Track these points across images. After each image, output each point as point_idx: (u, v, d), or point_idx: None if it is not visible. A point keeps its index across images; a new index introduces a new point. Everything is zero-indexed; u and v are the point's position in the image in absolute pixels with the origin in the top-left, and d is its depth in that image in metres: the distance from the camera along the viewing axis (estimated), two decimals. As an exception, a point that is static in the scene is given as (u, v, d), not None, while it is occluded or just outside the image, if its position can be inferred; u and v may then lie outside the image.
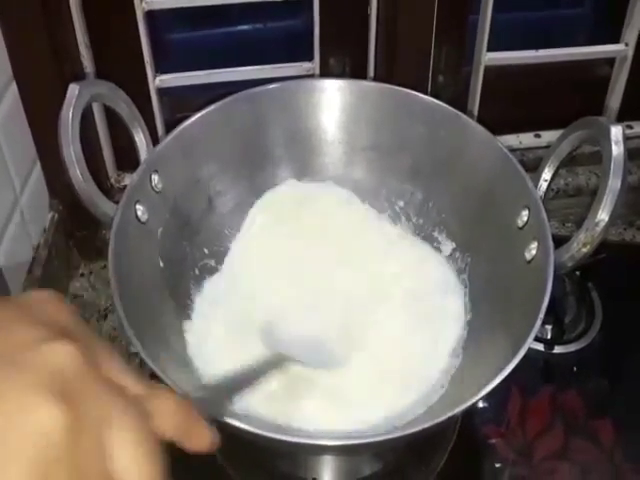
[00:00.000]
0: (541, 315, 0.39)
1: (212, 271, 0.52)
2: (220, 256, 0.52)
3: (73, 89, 0.43)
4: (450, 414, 0.36)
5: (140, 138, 0.48)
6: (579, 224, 0.42)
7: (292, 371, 0.43)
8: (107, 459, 0.18)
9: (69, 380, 0.17)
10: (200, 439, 0.22)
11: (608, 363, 0.56)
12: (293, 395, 0.44)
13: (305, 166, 0.54)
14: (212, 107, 0.49)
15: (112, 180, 0.66)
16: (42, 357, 0.17)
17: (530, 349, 0.37)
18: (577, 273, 0.58)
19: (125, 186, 0.55)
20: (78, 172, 0.43)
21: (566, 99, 0.67)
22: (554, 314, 0.56)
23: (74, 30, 0.56)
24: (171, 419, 0.21)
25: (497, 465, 0.49)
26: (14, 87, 0.54)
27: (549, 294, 0.39)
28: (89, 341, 0.19)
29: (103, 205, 0.45)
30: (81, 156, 0.43)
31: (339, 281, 0.51)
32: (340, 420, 0.43)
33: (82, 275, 0.64)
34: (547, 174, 0.46)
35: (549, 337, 0.56)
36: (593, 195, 0.67)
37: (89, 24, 0.57)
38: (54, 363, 0.17)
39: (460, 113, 0.50)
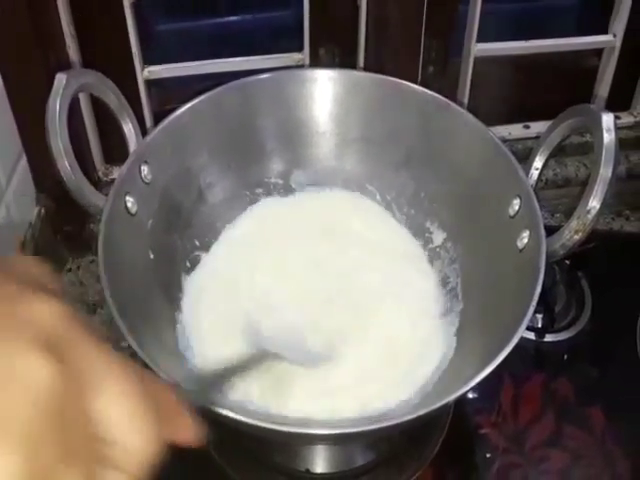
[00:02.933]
0: (534, 303, 0.39)
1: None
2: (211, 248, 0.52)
3: (60, 79, 0.42)
4: (442, 402, 0.36)
5: (129, 129, 0.47)
6: (568, 214, 0.43)
7: (278, 367, 0.43)
8: (96, 413, 0.17)
9: (56, 336, 0.17)
10: (185, 429, 0.22)
11: (598, 350, 0.57)
12: (282, 389, 0.43)
13: (296, 157, 0.54)
14: (202, 97, 0.49)
15: (100, 173, 0.65)
16: (28, 313, 0.17)
17: (521, 338, 0.37)
18: (567, 262, 0.59)
19: (113, 179, 0.54)
20: (66, 163, 0.42)
21: (554, 90, 0.68)
22: (545, 303, 0.56)
23: (59, 20, 0.56)
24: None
25: (489, 453, 0.50)
26: (-1, 78, 0.53)
27: (541, 282, 0.39)
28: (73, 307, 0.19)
29: (92, 197, 0.44)
30: (69, 147, 0.43)
31: (323, 277, 0.50)
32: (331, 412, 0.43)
33: (69, 270, 0.63)
34: (538, 162, 0.46)
35: (540, 326, 0.57)
36: (582, 185, 0.68)
37: (75, 14, 0.56)
38: (41, 316, 0.17)
39: (451, 103, 0.50)
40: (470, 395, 0.53)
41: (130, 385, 0.18)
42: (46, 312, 0.17)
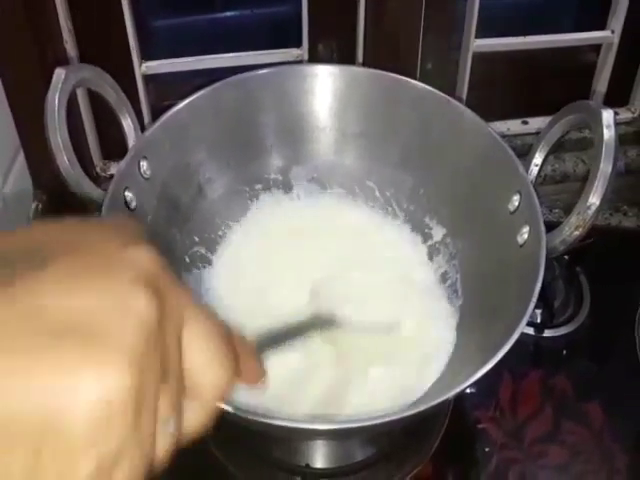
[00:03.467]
0: (534, 299, 0.39)
1: (203, 259, 0.51)
2: (211, 244, 0.52)
3: (59, 74, 0.42)
4: (442, 398, 0.36)
5: (128, 124, 0.47)
6: (566, 210, 0.43)
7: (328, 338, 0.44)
8: (184, 347, 0.20)
9: (155, 278, 0.19)
10: (253, 373, 0.24)
11: (597, 346, 0.57)
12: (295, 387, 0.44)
13: (295, 153, 0.54)
14: (201, 92, 0.48)
15: (98, 169, 0.65)
16: (132, 257, 0.19)
17: (520, 333, 0.37)
18: (566, 257, 0.59)
19: (111, 175, 0.54)
20: (65, 158, 0.42)
21: (553, 86, 0.68)
22: (544, 298, 0.56)
23: (57, 15, 0.55)
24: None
25: (488, 448, 0.50)
26: (-4, 74, 0.52)
27: (542, 278, 0.39)
28: None
29: (91, 192, 0.44)
30: (68, 142, 0.43)
31: (324, 276, 0.50)
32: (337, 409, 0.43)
33: (68, 266, 0.63)
34: (538, 159, 0.46)
35: (539, 321, 0.57)
36: (580, 181, 0.68)
37: (72, 9, 0.56)
38: (142, 262, 0.19)
39: (451, 99, 0.50)
40: (469, 390, 0.53)
41: (213, 326, 0.20)
42: (145, 257, 0.19)
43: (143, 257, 0.19)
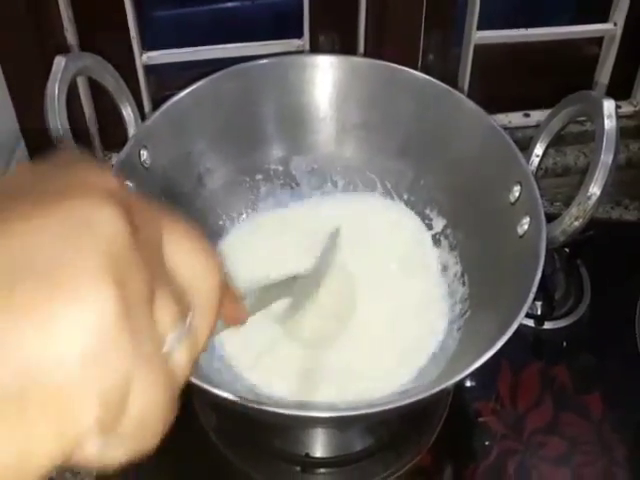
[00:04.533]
0: (534, 289, 0.39)
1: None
2: (210, 234, 0.52)
3: (59, 62, 0.42)
4: (440, 387, 0.36)
5: (128, 113, 0.47)
6: (567, 203, 0.43)
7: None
8: (170, 257, 0.18)
9: (121, 195, 0.17)
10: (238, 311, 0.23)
11: (597, 338, 0.57)
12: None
13: (296, 143, 0.54)
14: (202, 82, 0.48)
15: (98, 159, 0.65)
16: (95, 180, 0.17)
17: (520, 325, 0.37)
18: (566, 250, 0.59)
19: (112, 165, 0.54)
20: (66, 147, 0.42)
21: (555, 78, 0.68)
22: (544, 290, 0.56)
23: (58, 4, 0.55)
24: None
25: (488, 440, 0.50)
26: (-4, 63, 0.52)
27: (541, 268, 0.39)
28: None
29: (92, 181, 0.44)
30: (68, 130, 0.42)
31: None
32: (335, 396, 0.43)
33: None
34: (539, 149, 0.46)
35: (539, 313, 0.57)
36: (581, 174, 0.68)
37: (73, -2, 0.56)
38: (105, 183, 0.17)
39: (452, 89, 0.49)
40: (469, 383, 0.53)
41: (196, 237, 0.19)
42: (110, 180, 0.18)
43: (107, 179, 0.17)
